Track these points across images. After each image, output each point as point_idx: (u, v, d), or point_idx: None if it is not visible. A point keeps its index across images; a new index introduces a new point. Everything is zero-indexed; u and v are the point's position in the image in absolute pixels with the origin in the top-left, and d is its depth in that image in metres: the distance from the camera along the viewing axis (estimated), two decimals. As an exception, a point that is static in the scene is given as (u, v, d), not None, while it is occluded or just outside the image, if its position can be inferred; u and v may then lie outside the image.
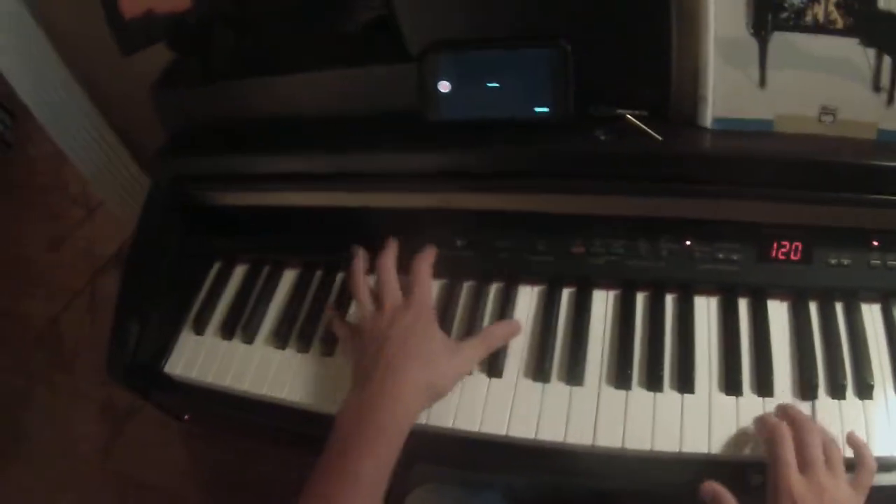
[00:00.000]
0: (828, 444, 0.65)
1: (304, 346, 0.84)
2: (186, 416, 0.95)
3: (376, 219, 0.86)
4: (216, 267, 0.95)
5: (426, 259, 0.80)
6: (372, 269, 0.82)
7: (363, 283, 0.80)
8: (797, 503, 0.60)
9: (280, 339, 0.85)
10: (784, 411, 0.68)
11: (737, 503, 0.65)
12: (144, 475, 1.62)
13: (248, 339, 0.87)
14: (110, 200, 1.41)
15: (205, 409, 0.90)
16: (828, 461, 0.64)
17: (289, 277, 0.92)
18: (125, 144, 1.34)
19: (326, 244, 0.89)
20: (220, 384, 0.85)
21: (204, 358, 0.87)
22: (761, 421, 0.69)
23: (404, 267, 0.80)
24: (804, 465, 0.63)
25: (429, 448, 0.77)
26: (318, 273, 0.91)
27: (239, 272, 0.94)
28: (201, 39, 0.94)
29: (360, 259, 0.82)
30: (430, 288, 0.78)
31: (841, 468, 0.64)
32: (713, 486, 0.66)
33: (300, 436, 0.85)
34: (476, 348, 0.75)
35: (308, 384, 0.82)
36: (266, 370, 0.84)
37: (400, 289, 0.78)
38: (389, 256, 0.80)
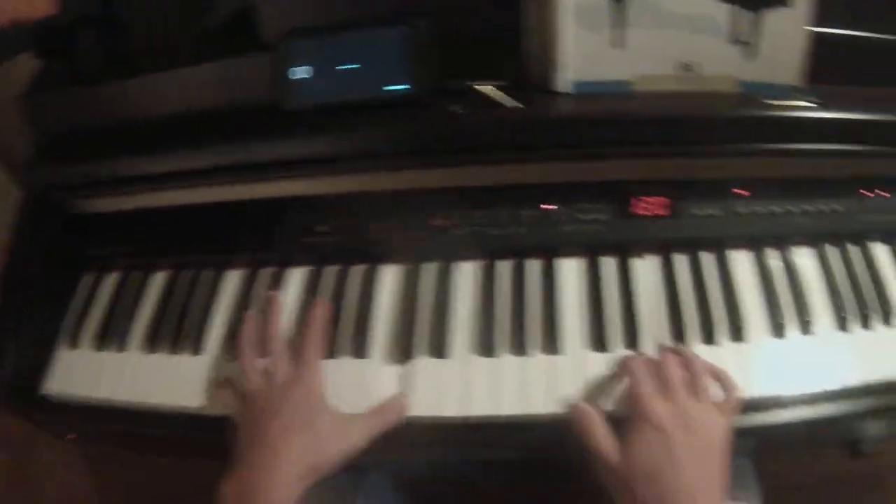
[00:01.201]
0: (691, 372, 0.65)
1: (174, 347, 0.81)
2: (70, 436, 0.91)
3: (241, 211, 0.84)
4: (89, 277, 0.91)
5: (317, 329, 0.75)
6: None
7: (251, 352, 0.75)
8: (659, 426, 0.60)
9: (150, 343, 0.82)
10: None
11: (602, 419, 0.65)
12: (53, 501, 1.55)
13: (120, 346, 0.83)
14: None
15: (87, 426, 0.85)
16: (691, 387, 0.64)
17: (159, 280, 0.88)
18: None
19: (194, 242, 0.86)
20: (95, 397, 0.81)
21: (80, 372, 0.83)
22: (618, 363, 0.70)
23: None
24: (664, 390, 0.63)
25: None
26: (188, 273, 0.87)
27: (111, 280, 0.90)
28: (68, 44, 0.93)
29: (252, 323, 0.77)
30: (321, 361, 0.74)
31: (706, 395, 0.64)
32: (583, 406, 0.66)
33: (198, 443, 0.83)
34: (371, 428, 0.70)
35: (182, 386, 0.78)
36: (139, 376, 0.80)
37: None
38: (277, 322, 0.77)
